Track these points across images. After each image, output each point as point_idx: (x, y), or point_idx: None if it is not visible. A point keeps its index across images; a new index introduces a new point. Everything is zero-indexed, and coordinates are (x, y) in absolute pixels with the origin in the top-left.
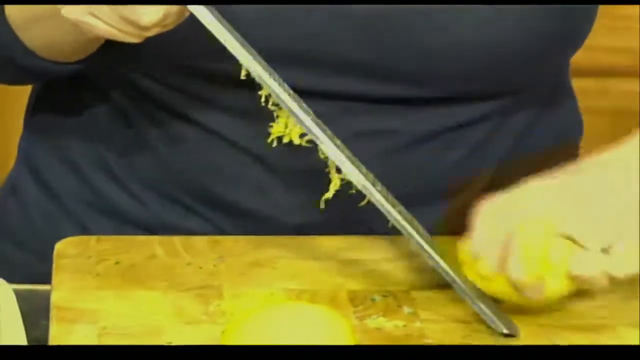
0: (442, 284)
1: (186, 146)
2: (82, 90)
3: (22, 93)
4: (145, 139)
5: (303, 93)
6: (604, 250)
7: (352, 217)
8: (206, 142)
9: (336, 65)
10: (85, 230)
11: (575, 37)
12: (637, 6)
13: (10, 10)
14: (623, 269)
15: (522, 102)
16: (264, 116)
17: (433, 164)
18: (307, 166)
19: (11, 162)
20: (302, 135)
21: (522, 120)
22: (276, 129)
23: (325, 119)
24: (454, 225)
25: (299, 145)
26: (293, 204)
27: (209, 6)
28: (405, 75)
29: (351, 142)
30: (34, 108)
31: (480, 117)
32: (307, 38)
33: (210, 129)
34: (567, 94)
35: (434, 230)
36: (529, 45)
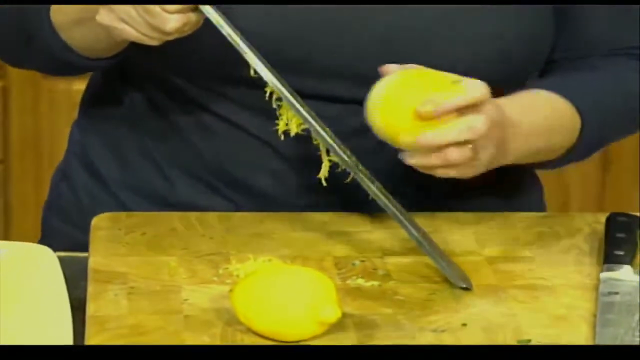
0: (410, 252)
1: (213, 135)
2: (126, 85)
3: (69, 100)
4: (178, 129)
5: (313, 97)
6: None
7: (351, 198)
8: (229, 132)
9: (339, 74)
10: (124, 209)
11: (538, 61)
12: None
13: (53, 13)
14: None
15: None
16: (277, 112)
17: None
18: (313, 155)
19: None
20: (299, 125)
21: None
22: (280, 126)
23: (329, 118)
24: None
25: (307, 138)
26: (301, 186)
27: (221, 15)
28: None
29: (350, 138)
30: (87, 104)
31: None
32: (320, 53)
33: (232, 122)
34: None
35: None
36: (505, 69)
